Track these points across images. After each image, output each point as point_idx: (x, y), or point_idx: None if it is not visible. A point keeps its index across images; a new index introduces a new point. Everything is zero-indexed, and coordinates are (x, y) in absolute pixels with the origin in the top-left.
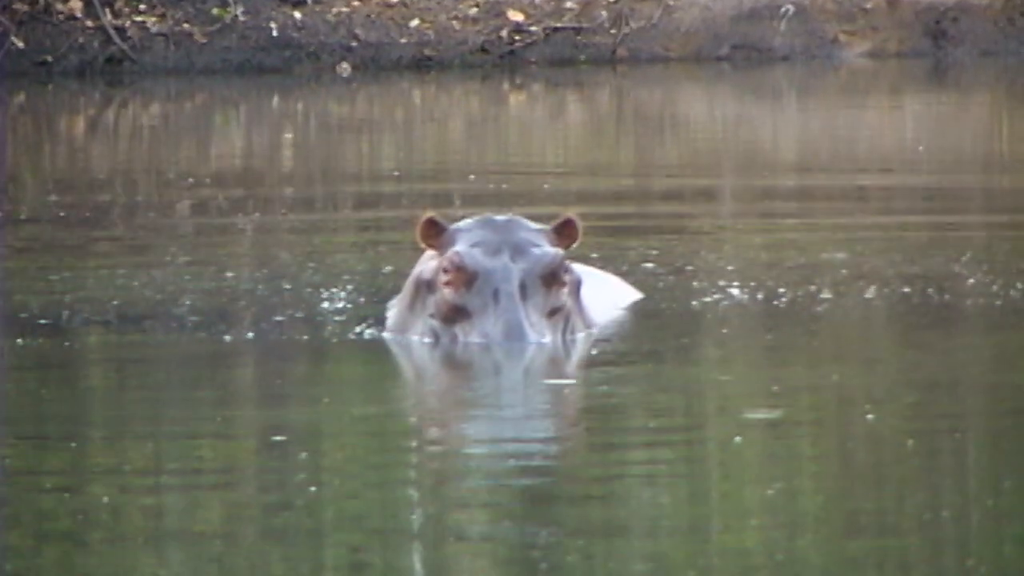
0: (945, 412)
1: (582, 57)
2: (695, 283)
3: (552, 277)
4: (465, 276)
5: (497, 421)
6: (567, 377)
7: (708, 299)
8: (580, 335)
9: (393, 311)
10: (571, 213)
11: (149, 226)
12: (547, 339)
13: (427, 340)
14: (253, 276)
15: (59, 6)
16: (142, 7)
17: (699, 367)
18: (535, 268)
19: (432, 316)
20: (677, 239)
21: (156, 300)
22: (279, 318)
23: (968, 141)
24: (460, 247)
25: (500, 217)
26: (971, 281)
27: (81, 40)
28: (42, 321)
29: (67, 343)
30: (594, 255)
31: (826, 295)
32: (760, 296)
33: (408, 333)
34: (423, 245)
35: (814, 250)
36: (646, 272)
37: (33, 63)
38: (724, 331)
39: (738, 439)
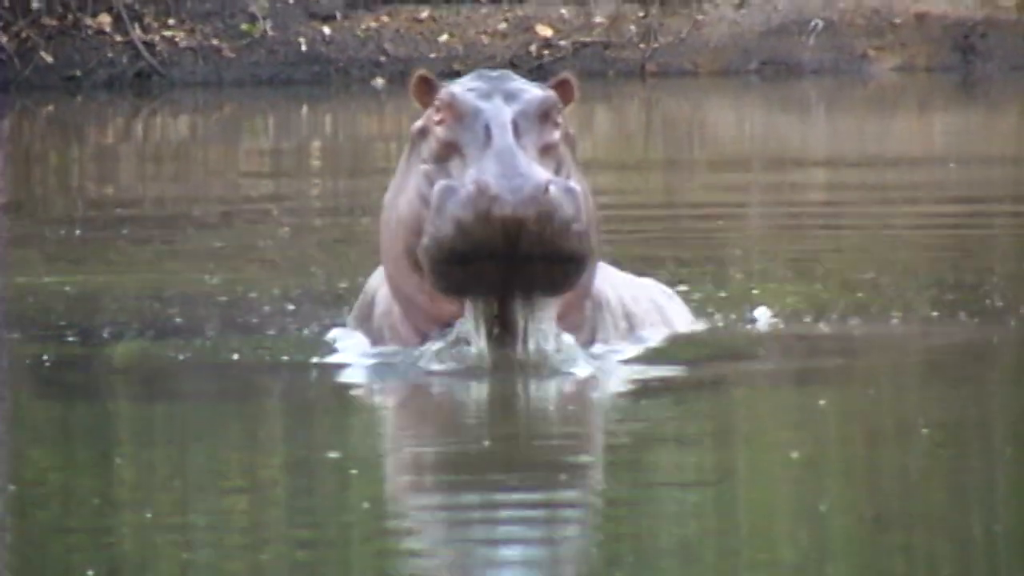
0: (978, 450)
1: (611, 72)
2: (726, 308)
3: (545, 116)
4: (456, 112)
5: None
6: (591, 404)
7: (738, 324)
8: (609, 353)
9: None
10: (567, 74)
11: (177, 239)
12: (541, 171)
13: (422, 189)
14: (283, 295)
15: (88, 21)
16: (171, 22)
17: (731, 396)
18: (527, 108)
19: (425, 162)
20: (707, 260)
21: (183, 316)
22: (293, 334)
23: (998, 157)
24: (452, 88)
25: (493, 71)
26: (999, 304)
27: (110, 55)
28: (70, 338)
29: (95, 361)
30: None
31: (856, 320)
32: (788, 322)
33: (401, 195)
34: (418, 103)
35: (844, 270)
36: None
37: (62, 77)
38: (750, 359)
39: (795, 453)
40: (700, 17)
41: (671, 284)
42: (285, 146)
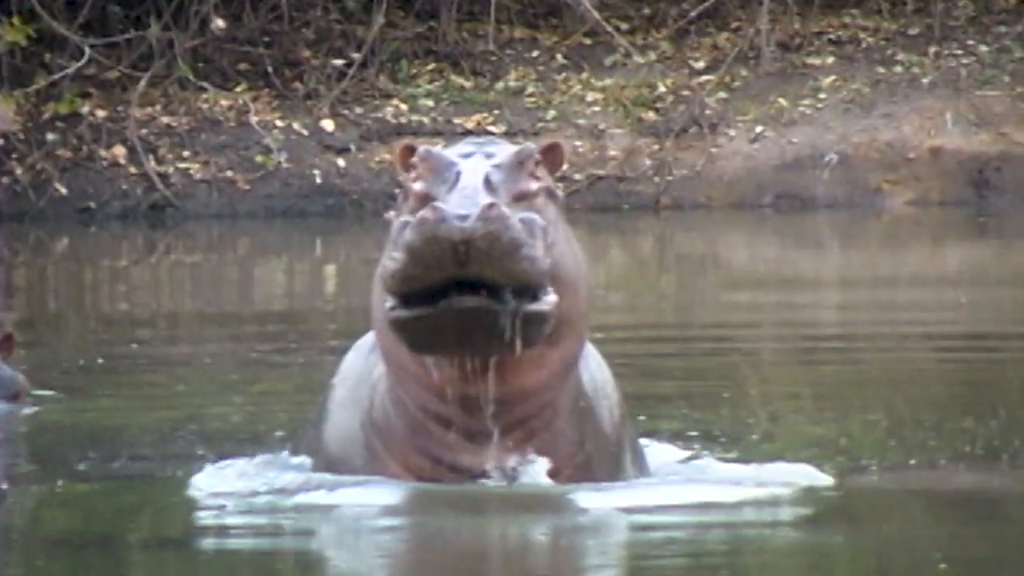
0: None
1: (625, 205)
2: (732, 461)
3: (520, 165)
4: (431, 164)
5: None
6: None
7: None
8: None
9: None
10: (558, 141)
11: (194, 370)
12: (500, 206)
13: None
14: (294, 434)
15: (103, 153)
16: (185, 154)
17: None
18: (502, 161)
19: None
20: (714, 398)
21: (195, 445)
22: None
23: (1009, 291)
24: (431, 148)
25: (481, 138)
26: (1008, 456)
27: (124, 187)
28: (80, 467)
29: (111, 497)
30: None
31: (857, 470)
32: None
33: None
34: (403, 172)
35: (854, 411)
36: (690, 439)
37: (76, 209)
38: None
39: None
40: (714, 150)
41: (681, 429)
42: (299, 270)
